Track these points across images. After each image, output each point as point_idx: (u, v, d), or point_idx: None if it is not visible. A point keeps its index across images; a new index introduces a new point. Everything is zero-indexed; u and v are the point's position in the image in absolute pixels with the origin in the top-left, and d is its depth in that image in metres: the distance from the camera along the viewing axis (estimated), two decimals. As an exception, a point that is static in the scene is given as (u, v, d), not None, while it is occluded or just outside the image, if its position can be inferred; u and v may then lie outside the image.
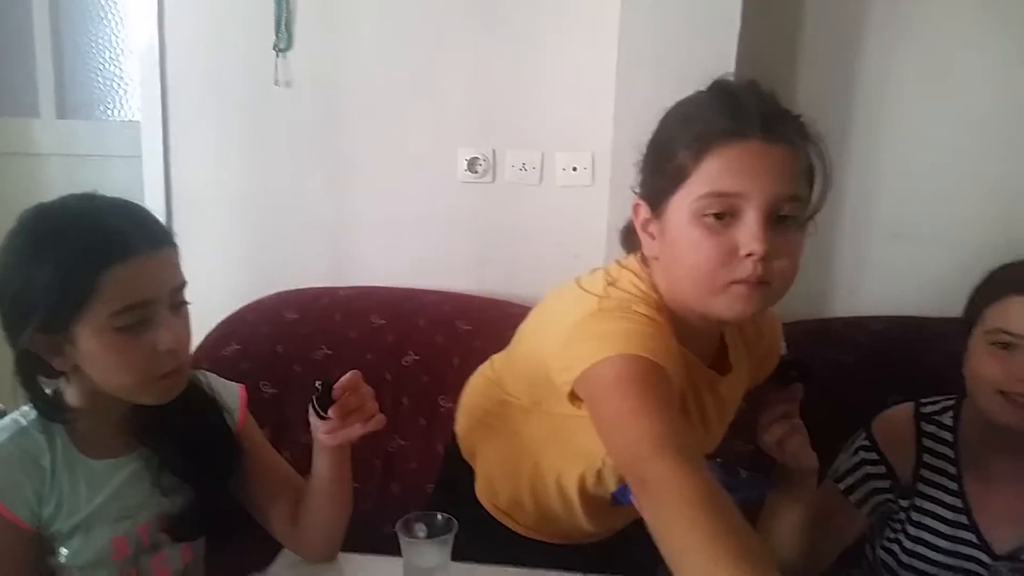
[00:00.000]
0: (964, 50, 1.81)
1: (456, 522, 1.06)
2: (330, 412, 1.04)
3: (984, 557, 1.23)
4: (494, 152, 1.97)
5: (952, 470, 1.27)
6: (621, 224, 1.16)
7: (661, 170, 0.99)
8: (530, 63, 1.92)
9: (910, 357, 1.45)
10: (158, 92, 2.03)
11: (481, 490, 1.27)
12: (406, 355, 1.86)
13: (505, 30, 1.91)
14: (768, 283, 0.96)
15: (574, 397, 1.00)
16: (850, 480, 1.28)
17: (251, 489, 1.17)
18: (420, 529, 1.06)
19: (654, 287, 1.05)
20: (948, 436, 1.29)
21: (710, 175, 0.94)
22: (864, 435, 1.32)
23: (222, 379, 1.20)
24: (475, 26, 1.93)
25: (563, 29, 1.88)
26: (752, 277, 0.94)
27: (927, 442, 1.30)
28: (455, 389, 1.37)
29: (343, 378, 1.04)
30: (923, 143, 1.85)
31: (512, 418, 1.20)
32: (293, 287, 1.99)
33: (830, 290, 1.94)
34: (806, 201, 0.99)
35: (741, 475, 1.08)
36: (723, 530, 0.78)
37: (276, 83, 1.99)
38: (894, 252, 1.89)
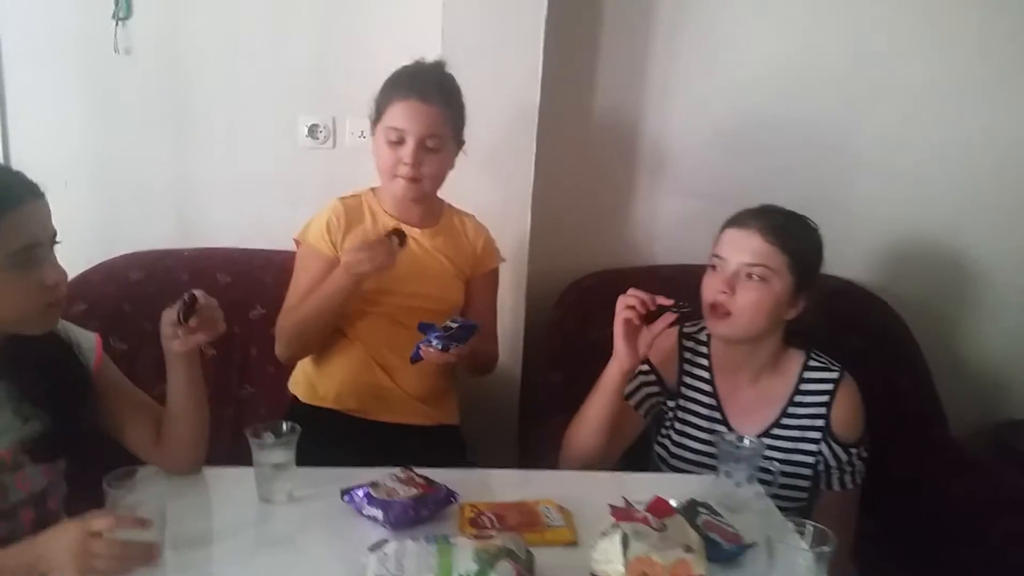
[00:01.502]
0: (734, 26, 2.14)
1: (299, 427, 1.26)
2: (191, 321, 1.21)
3: (732, 444, 1.55)
4: (334, 120, 2.12)
5: (707, 376, 1.60)
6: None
7: (377, 108, 1.65)
8: (365, 34, 2.07)
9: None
10: (-9, 62, 2.02)
11: (308, 395, 1.73)
12: (253, 309, 2.00)
13: (341, 1, 2.05)
14: (419, 180, 1.62)
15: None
16: (630, 388, 1.56)
17: (115, 417, 1.32)
18: (268, 436, 1.25)
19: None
20: (704, 350, 1.61)
21: (391, 116, 1.60)
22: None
23: (77, 327, 1.34)
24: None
25: (394, 3, 2.04)
26: (407, 175, 1.61)
27: (687, 355, 1.62)
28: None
29: (201, 295, 1.24)
30: (703, 110, 2.18)
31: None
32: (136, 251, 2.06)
33: (631, 243, 2.25)
34: (448, 138, 1.63)
35: (453, 325, 1.48)
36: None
37: (116, 51, 2.02)
38: (681, 209, 2.22)
